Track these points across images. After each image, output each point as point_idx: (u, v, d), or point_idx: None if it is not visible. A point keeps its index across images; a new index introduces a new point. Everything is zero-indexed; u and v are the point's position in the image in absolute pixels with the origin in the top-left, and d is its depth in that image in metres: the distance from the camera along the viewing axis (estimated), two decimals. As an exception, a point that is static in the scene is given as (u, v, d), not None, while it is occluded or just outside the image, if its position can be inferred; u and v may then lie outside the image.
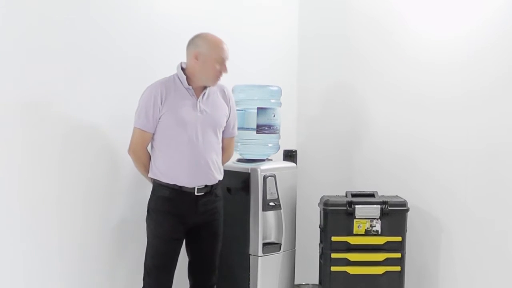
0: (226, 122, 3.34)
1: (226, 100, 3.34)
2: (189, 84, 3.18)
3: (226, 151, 3.41)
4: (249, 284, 3.61)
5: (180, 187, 3.16)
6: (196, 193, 3.18)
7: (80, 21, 3.27)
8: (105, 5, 3.40)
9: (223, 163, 3.38)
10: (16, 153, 3.07)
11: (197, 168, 3.17)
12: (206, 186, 3.21)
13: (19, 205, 3.10)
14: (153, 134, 3.18)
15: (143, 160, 3.23)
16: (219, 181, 3.28)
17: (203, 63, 3.15)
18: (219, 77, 3.20)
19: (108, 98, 3.42)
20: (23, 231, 3.12)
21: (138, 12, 3.57)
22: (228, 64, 3.18)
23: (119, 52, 3.46)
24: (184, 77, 3.18)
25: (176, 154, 3.16)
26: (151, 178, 3.24)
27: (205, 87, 3.23)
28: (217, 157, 3.27)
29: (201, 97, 3.20)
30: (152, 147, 3.22)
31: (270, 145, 3.80)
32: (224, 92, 3.34)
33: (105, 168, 3.46)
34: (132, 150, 3.21)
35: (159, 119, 3.14)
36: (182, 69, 3.21)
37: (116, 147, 3.44)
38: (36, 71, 3.11)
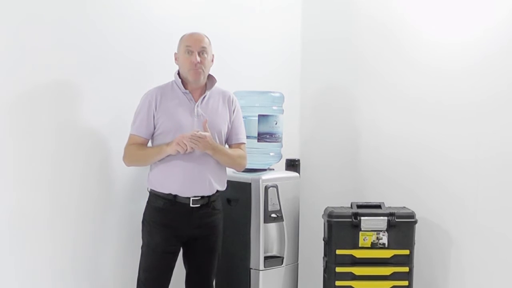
0: (228, 128, 3.24)
1: (228, 106, 3.25)
2: (185, 89, 3.15)
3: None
4: (250, 299, 3.57)
5: (175, 196, 3.09)
6: (191, 205, 3.10)
7: (76, 21, 3.22)
8: (102, 6, 3.35)
9: (238, 170, 3.32)
10: (7, 160, 3.00)
11: (193, 175, 3.09)
12: (202, 197, 3.13)
13: (9, 215, 3.03)
14: (152, 142, 3.14)
15: (138, 153, 3.10)
16: (217, 191, 3.19)
17: (179, 60, 3.16)
18: (195, 69, 3.09)
19: (106, 102, 3.35)
20: (13, 244, 3.05)
21: (137, 14, 3.51)
22: (208, 56, 3.12)
23: (116, 54, 3.41)
24: (180, 80, 3.16)
25: (171, 160, 3.08)
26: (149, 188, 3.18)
27: (204, 91, 3.18)
28: (216, 165, 3.17)
29: (199, 101, 3.16)
30: None
31: (272, 154, 3.76)
32: (226, 98, 3.26)
33: (98, 177, 3.39)
34: (125, 156, 3.14)
35: (156, 125, 3.10)
36: (179, 74, 3.18)
37: (112, 154, 3.36)
38: (28, 73, 3.05)
